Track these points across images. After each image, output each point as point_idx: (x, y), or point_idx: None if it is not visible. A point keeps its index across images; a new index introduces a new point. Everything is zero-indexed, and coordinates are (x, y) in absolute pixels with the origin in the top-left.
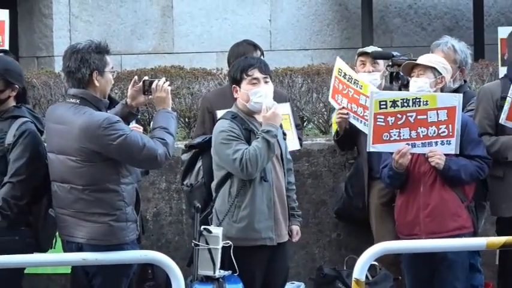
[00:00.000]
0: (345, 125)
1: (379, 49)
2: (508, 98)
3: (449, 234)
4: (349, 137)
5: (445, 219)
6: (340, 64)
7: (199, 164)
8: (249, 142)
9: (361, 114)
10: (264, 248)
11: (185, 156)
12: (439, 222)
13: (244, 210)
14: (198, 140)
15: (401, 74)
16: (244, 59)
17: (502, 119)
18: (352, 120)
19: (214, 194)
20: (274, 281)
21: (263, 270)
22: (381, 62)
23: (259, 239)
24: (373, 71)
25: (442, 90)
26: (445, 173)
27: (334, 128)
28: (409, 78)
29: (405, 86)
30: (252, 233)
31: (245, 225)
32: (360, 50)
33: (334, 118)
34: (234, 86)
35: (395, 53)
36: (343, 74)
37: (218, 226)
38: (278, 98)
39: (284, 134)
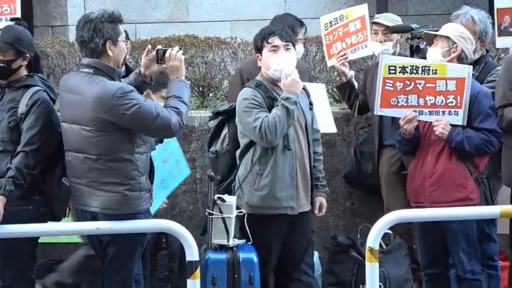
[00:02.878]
0: (345, 70)
1: (394, 16)
2: None
3: (451, 204)
4: (364, 106)
5: (449, 190)
6: (323, 21)
7: (225, 131)
8: (272, 110)
9: (355, 42)
10: (284, 217)
11: (212, 123)
12: (443, 191)
13: (266, 178)
14: (225, 107)
15: (422, 46)
16: (267, 27)
17: None
18: (351, 57)
19: (238, 162)
20: (294, 251)
21: (282, 239)
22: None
23: (280, 208)
24: (385, 41)
25: (460, 59)
26: (448, 143)
27: None
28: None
29: (426, 58)
30: (273, 202)
31: (266, 194)
32: (376, 17)
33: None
34: (257, 54)
35: (414, 26)
36: (328, 25)
37: (239, 193)
38: (298, 70)
39: (311, 104)
